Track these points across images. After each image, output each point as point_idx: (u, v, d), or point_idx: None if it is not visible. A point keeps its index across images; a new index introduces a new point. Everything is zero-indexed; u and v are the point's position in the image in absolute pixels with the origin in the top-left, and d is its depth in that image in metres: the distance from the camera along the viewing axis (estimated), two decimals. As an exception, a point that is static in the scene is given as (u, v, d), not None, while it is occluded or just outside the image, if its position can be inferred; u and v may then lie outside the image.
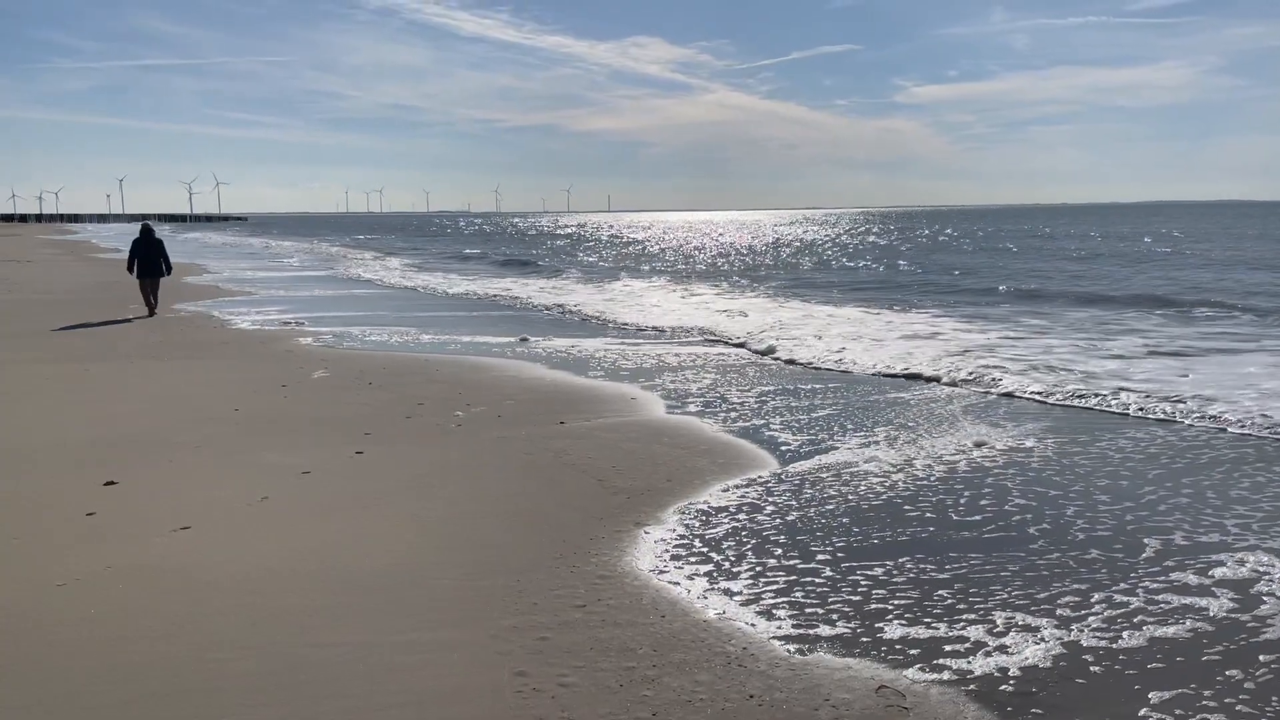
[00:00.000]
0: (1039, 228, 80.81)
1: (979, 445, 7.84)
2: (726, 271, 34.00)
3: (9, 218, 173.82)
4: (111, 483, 6.74)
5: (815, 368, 12.31)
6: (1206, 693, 3.85)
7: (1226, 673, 4.01)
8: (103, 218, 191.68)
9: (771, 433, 8.40)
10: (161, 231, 20.44)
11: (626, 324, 17.87)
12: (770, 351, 13.57)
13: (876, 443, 7.97)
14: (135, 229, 19.33)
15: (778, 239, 66.09)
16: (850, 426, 8.63)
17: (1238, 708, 3.74)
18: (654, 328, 17.09)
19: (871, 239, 62.97)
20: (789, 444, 7.97)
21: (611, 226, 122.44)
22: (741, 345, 14.52)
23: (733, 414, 9.22)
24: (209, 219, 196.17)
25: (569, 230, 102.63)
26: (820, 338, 14.63)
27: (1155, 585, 4.92)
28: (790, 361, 12.84)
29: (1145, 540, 5.57)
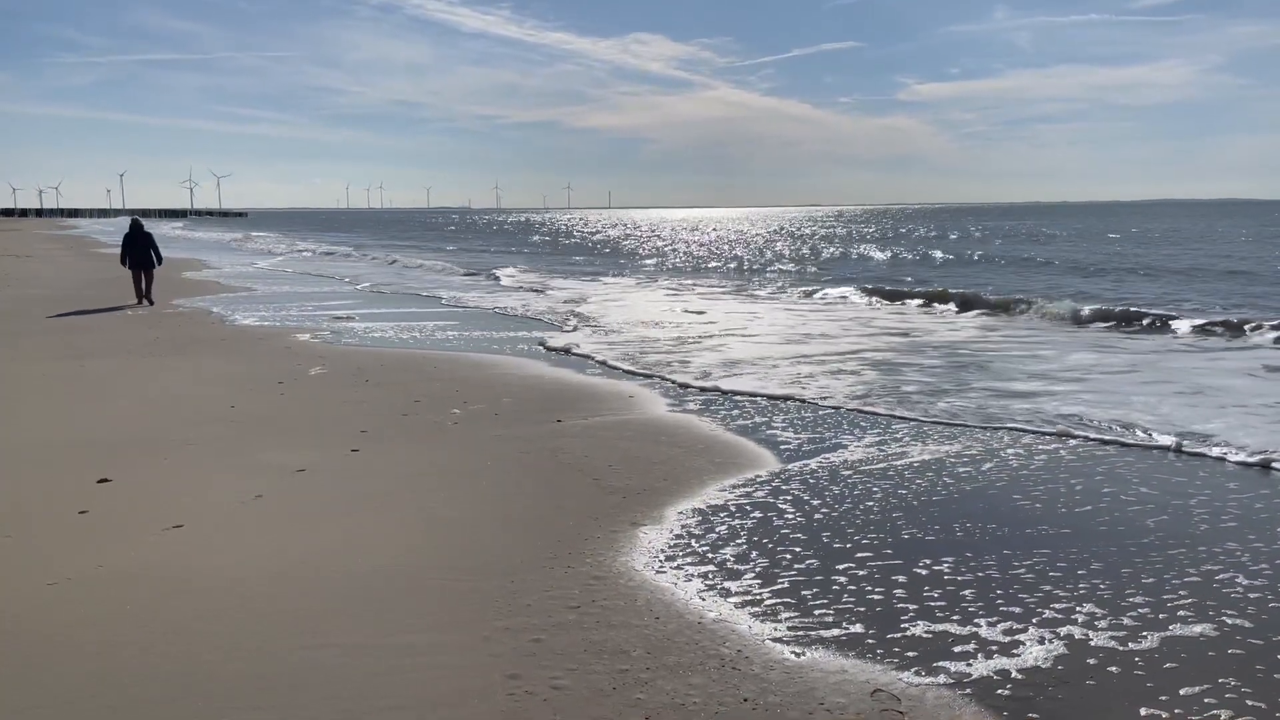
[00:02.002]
0: (1008, 227, 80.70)
1: (1070, 439, 7.85)
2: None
3: (9, 212, 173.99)
4: (105, 480, 6.70)
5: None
6: (1212, 694, 3.81)
7: (1236, 677, 3.97)
8: (103, 212, 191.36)
9: (772, 431, 8.37)
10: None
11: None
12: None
13: (876, 443, 7.94)
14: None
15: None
16: (862, 425, 8.60)
17: (1248, 702, 3.70)
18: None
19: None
20: (789, 442, 7.93)
21: (588, 223, 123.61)
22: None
23: (734, 412, 9.18)
24: (209, 214, 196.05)
25: (543, 225, 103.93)
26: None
27: (1155, 587, 4.90)
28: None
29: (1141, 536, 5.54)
